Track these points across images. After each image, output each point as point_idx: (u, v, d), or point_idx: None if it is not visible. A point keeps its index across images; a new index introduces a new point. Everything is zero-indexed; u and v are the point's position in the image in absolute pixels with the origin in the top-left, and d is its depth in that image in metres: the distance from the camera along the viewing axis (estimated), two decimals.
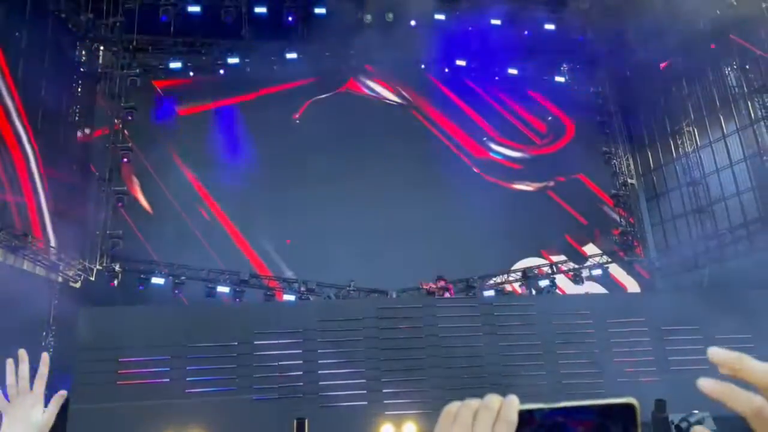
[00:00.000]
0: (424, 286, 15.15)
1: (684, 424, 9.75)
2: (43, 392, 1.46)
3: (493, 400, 0.78)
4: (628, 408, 0.76)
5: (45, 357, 1.49)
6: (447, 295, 14.87)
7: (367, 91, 20.57)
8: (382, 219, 17.32)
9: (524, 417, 0.76)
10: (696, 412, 9.94)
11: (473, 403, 0.78)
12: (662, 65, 19.25)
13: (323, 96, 19.71)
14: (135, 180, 17.66)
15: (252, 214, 17.59)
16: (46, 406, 1.48)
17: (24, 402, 1.44)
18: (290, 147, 18.02)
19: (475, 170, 19.90)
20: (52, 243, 14.72)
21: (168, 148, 17.86)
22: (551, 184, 20.05)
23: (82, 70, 17.50)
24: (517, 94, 20.77)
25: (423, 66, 20.17)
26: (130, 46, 18.11)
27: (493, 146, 20.43)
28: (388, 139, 18.69)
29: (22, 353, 1.49)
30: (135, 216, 17.11)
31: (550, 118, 20.76)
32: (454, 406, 0.80)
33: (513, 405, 0.77)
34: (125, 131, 17.59)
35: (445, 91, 20.51)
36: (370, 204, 17.71)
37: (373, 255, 16.67)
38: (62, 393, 1.50)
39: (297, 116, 19.34)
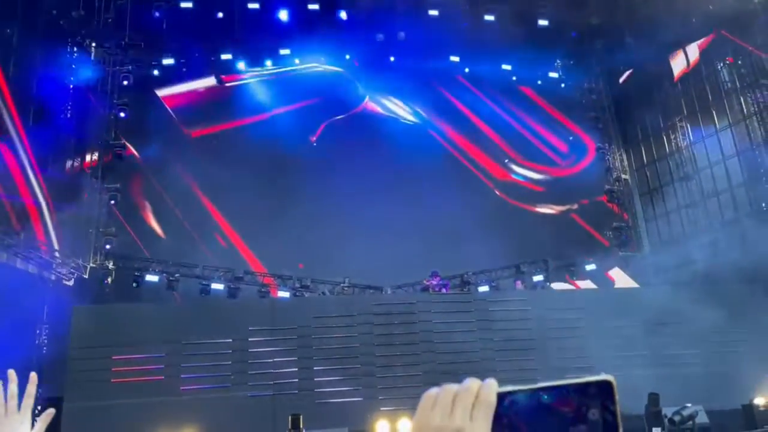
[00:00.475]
0: (426, 282, 15.21)
1: (677, 418, 9.80)
2: (31, 410, 1.47)
3: (472, 383, 0.80)
4: (606, 384, 0.77)
5: (33, 377, 1.49)
6: (443, 290, 14.91)
7: (382, 110, 20.28)
8: (384, 217, 17.28)
9: (503, 398, 0.78)
10: (689, 405, 9.98)
11: (453, 387, 0.81)
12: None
13: (339, 117, 19.46)
14: (147, 205, 17.44)
15: (248, 211, 17.50)
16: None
17: (12, 422, 1.44)
18: (305, 169, 17.73)
19: (497, 193, 19.58)
20: (45, 241, 14.65)
21: (179, 169, 17.59)
22: (575, 206, 19.75)
23: (73, 67, 17.40)
24: (531, 109, 20.38)
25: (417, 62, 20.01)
26: (122, 44, 18.02)
27: (515, 168, 20.08)
28: (407, 161, 18.09)
29: (12, 374, 1.49)
30: (128, 213, 17.04)
31: (571, 138, 20.43)
32: (434, 391, 0.81)
33: (491, 387, 0.79)
34: (117, 129, 17.53)
35: (459, 106, 20.11)
36: (370, 202, 17.68)
37: (368, 251, 16.66)
38: (50, 411, 1.50)
39: (314, 138, 19.06)
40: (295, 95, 19.12)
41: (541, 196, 19.87)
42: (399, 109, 20.41)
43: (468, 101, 20.26)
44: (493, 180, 19.87)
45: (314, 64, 20.00)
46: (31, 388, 1.48)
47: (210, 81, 19.22)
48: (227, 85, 19.36)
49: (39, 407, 1.66)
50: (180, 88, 18.93)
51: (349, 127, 19.37)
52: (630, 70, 20.06)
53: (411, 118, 20.34)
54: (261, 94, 19.27)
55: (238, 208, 17.40)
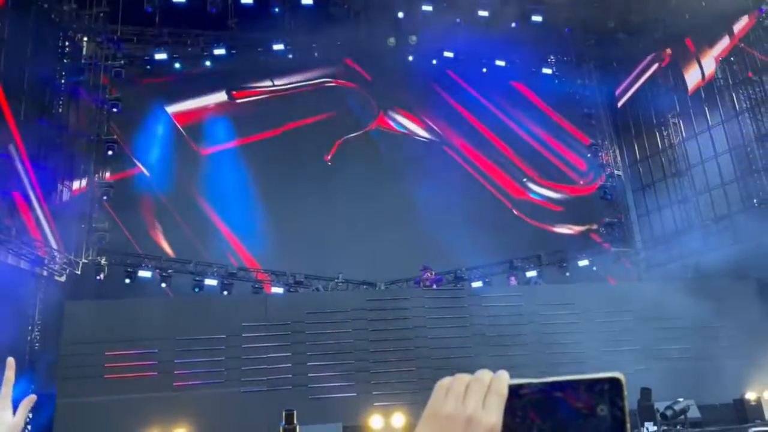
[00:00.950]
0: (421, 275, 15.23)
1: (669, 412, 9.87)
2: (11, 396, 1.46)
3: (484, 374, 0.83)
4: (615, 382, 0.79)
5: (11, 361, 1.47)
6: (434, 286, 14.93)
7: (396, 127, 20.01)
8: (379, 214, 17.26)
9: (514, 390, 0.81)
10: (681, 400, 10.07)
11: (465, 376, 0.84)
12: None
13: (353, 135, 19.24)
14: (158, 225, 17.25)
15: (242, 207, 17.45)
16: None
17: None
18: (319, 187, 17.52)
19: (515, 212, 19.31)
20: (37, 237, 14.56)
21: (190, 187, 17.48)
22: (594, 226, 19.46)
23: (65, 61, 17.27)
24: (548, 126, 20.13)
25: (411, 58, 19.93)
26: (115, 37, 17.89)
27: (533, 186, 19.77)
28: (422, 179, 17.71)
29: (10, 361, 1.48)
30: (120, 209, 16.94)
31: (589, 155, 20.20)
32: (446, 380, 0.84)
33: (503, 378, 0.82)
34: (111, 123, 17.40)
35: (473, 121, 19.81)
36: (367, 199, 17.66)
37: (362, 246, 16.66)
38: (31, 397, 1.49)
39: (329, 158, 18.82)
40: (308, 111, 18.79)
41: (559, 215, 19.53)
42: (411, 123, 20.07)
43: (471, 107, 19.98)
44: (510, 198, 19.52)
45: (326, 79, 19.80)
46: (9, 373, 1.47)
47: (221, 97, 19.03)
48: (238, 101, 19.14)
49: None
50: (190, 104, 18.65)
51: (363, 144, 19.12)
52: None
53: (425, 134, 20.02)
54: (271, 109, 19.00)
55: (236, 207, 17.36)
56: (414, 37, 18.92)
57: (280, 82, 19.60)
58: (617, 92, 20.60)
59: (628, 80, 19.95)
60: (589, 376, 0.80)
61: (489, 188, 19.55)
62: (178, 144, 18.23)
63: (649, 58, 19.05)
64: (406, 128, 20.11)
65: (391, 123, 20.07)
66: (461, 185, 18.65)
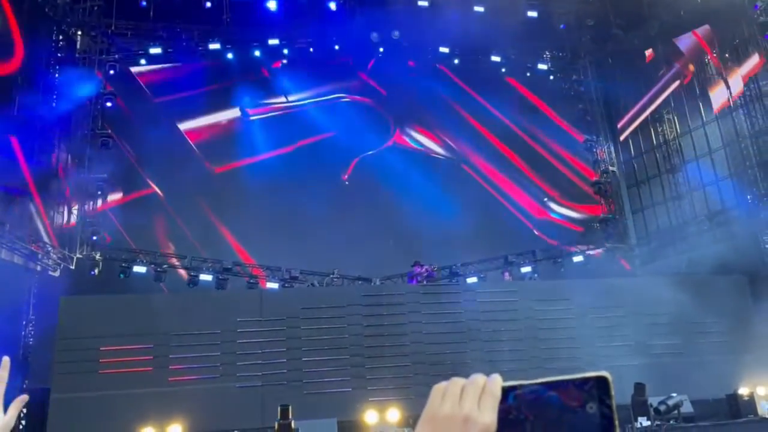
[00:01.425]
0: (414, 269, 15.26)
1: (662, 407, 9.94)
2: (3, 395, 1.45)
3: (479, 377, 0.88)
4: (602, 380, 0.85)
5: (6, 361, 1.47)
6: (425, 282, 14.97)
7: (413, 144, 19.78)
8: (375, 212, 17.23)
9: (507, 392, 0.86)
10: (674, 395, 10.15)
11: (460, 380, 0.89)
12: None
13: (371, 152, 18.99)
14: (171, 246, 17.14)
15: (243, 209, 17.39)
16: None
17: None
18: (336, 206, 17.25)
19: (536, 233, 19.10)
20: (31, 231, 14.50)
21: (202, 204, 17.33)
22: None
23: (59, 55, 17.17)
24: (566, 143, 19.99)
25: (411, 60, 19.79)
26: (109, 31, 17.79)
27: (554, 206, 19.56)
28: (440, 196, 17.47)
29: (5, 361, 1.48)
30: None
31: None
32: (443, 384, 0.90)
33: (497, 381, 0.87)
34: (103, 118, 17.32)
35: (490, 138, 19.59)
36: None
37: (357, 242, 16.66)
38: (23, 397, 1.49)
39: (346, 177, 18.62)
40: (321, 127, 18.63)
41: (579, 236, 19.22)
42: (428, 140, 19.80)
43: (479, 116, 19.70)
44: (531, 218, 19.30)
45: (340, 95, 19.61)
46: (3, 373, 1.47)
47: (234, 113, 18.83)
48: (252, 118, 18.92)
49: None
50: (202, 121, 18.41)
51: (380, 163, 18.76)
52: (620, 62, 19.91)
53: (442, 151, 19.78)
54: (285, 126, 18.78)
55: (235, 211, 17.30)
56: (396, 33, 18.79)
57: (294, 98, 19.35)
58: (612, 87, 20.55)
59: (648, 97, 19.08)
60: (578, 375, 0.84)
61: (509, 207, 19.30)
62: (191, 161, 17.85)
63: (668, 75, 18.30)
64: (423, 145, 19.83)
65: (408, 140, 19.80)
66: (480, 203, 18.42)
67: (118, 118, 17.52)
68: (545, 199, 19.68)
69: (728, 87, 16.31)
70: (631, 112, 19.68)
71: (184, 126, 18.28)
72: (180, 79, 18.30)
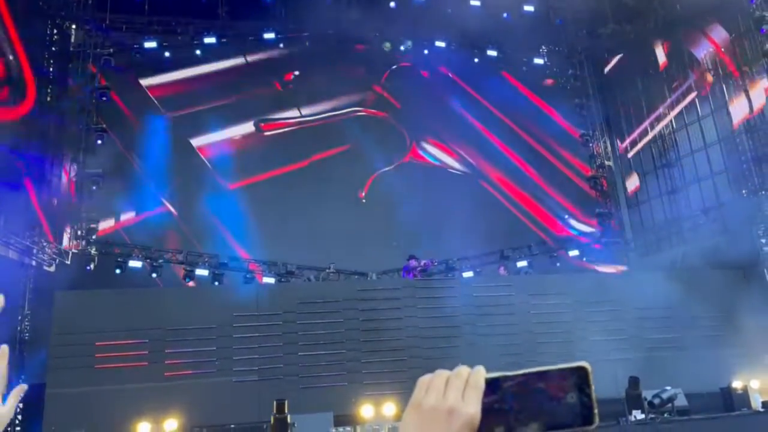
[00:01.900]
0: (409, 263, 15.26)
1: (657, 401, 9.99)
2: (6, 383, 1.45)
3: (462, 369, 0.90)
4: (582, 370, 0.87)
5: (4, 349, 1.47)
6: (420, 276, 14.98)
7: (429, 159, 19.51)
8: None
9: (490, 383, 0.88)
10: (668, 388, 10.19)
11: (444, 372, 0.91)
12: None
13: (387, 168, 18.68)
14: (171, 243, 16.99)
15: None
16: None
17: None
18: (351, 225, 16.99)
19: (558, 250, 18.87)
20: (26, 226, 14.46)
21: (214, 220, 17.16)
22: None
23: (53, 49, 17.08)
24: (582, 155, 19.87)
25: (406, 44, 19.64)
26: (103, 25, 17.71)
27: (574, 223, 19.41)
28: (458, 214, 16.77)
29: (4, 348, 1.47)
30: (110, 198, 16.83)
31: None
32: (427, 376, 0.92)
33: (480, 373, 0.89)
34: (98, 113, 17.25)
35: (505, 150, 19.37)
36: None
37: (353, 237, 16.66)
38: (22, 386, 1.49)
39: (363, 195, 18.33)
40: (335, 141, 18.39)
41: (600, 253, 18.96)
42: (444, 155, 19.54)
43: (488, 123, 19.48)
44: (550, 234, 19.16)
45: (355, 108, 19.35)
46: (2, 362, 1.46)
47: (248, 128, 18.62)
48: (266, 134, 18.73)
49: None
50: (216, 136, 18.15)
51: (397, 178, 18.40)
52: (616, 57, 19.96)
53: (458, 166, 19.53)
54: (300, 140, 18.51)
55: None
56: (388, 44, 18.69)
57: (308, 112, 19.11)
58: (607, 82, 20.57)
59: (662, 109, 18.76)
60: (558, 366, 0.88)
61: (528, 224, 19.14)
62: (204, 177, 17.72)
63: (684, 86, 17.88)
64: (439, 160, 19.60)
65: (424, 155, 19.55)
66: (499, 219, 18.34)
67: (128, 129, 17.54)
68: (566, 216, 19.48)
69: (750, 101, 15.72)
70: (638, 130, 19.42)
71: (196, 142, 18.02)
72: (191, 93, 18.06)
